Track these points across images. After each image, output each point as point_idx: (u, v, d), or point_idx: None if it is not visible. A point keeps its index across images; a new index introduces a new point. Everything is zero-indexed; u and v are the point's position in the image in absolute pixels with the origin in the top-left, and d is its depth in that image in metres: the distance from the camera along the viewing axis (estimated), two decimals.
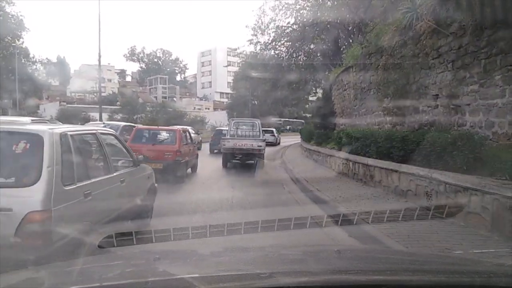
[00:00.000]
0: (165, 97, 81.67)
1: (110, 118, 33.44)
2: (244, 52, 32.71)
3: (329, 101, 17.82)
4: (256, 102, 62.57)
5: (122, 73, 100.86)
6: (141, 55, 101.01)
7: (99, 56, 19.91)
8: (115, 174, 4.69)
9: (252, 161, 15.21)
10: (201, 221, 5.90)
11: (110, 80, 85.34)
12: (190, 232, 3.31)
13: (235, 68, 79.60)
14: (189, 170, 12.50)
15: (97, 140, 4.61)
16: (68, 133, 3.83)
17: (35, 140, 3.38)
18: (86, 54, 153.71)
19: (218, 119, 45.71)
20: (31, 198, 3.13)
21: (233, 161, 14.97)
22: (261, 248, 2.71)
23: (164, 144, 10.90)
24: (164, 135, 11.39)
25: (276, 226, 3.69)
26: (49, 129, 3.62)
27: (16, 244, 3.02)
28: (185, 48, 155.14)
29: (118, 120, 31.58)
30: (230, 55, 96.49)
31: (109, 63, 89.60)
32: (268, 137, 24.28)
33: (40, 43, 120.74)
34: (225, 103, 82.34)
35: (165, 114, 41.66)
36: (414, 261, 2.24)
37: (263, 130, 15.69)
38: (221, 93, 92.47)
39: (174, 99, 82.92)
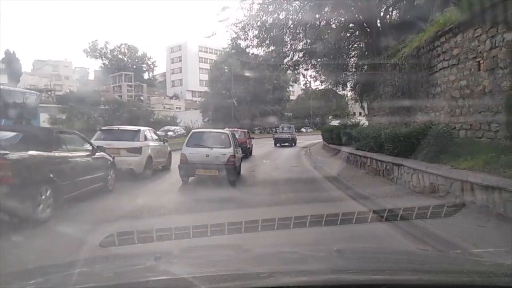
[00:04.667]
0: (131, 96, 74.09)
1: (52, 119, 26.18)
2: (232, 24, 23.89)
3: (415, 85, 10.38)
4: (234, 100, 56.39)
5: (83, 71, 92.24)
6: (104, 50, 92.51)
7: None
8: (238, 149, 11.58)
9: (287, 144, 29.80)
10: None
11: (67, 78, 76.36)
12: (191, 231, 3.14)
13: (208, 65, 74.40)
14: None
15: (233, 135, 11.87)
16: (231, 131, 12.96)
17: (225, 134, 10.88)
18: (41, 50, 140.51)
19: (192, 118, 38.98)
20: (229, 150, 10.17)
21: (279, 144, 29.93)
22: (261, 248, 2.91)
23: (238, 138, 16.30)
24: (239, 133, 19.30)
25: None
26: (227, 130, 12.97)
27: (227, 164, 9.90)
28: (153, 44, 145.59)
29: (61, 121, 24.57)
30: (202, 50, 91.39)
31: (66, 59, 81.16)
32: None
33: None
34: (198, 102, 76.47)
35: (127, 113, 34.53)
36: (413, 261, 2.25)
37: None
38: (193, 91, 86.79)
39: (141, 97, 75.52)
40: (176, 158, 11.49)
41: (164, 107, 72.32)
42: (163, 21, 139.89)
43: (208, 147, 10.11)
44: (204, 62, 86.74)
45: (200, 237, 3.09)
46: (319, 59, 20.63)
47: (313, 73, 22.94)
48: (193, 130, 12.82)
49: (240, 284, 1.51)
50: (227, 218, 3.53)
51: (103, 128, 12.98)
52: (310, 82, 22.19)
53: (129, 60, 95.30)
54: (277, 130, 33.96)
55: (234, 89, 55.39)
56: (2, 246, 4.32)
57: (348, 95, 28.60)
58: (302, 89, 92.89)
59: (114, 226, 5.06)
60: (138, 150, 10.51)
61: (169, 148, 13.56)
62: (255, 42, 18.06)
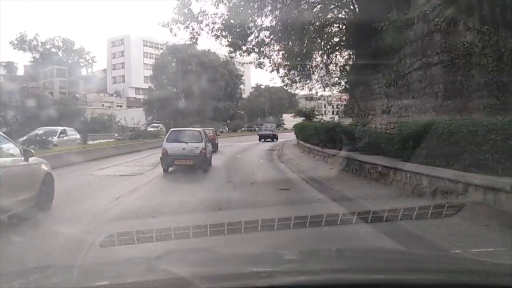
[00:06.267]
0: (64, 93, 66.74)
1: None
2: None
3: None
4: (182, 97, 51.47)
5: (9, 65, 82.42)
6: (34, 43, 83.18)
7: None
8: (208, 144, 13.98)
9: (270, 139, 34.87)
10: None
11: None
12: (190, 231, 3.23)
13: (153, 61, 69.13)
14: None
15: (204, 132, 14.47)
16: (203, 130, 15.13)
17: (198, 132, 13.76)
18: None
19: (134, 116, 33.65)
20: (201, 144, 12.52)
21: (263, 139, 34.84)
22: (261, 247, 2.91)
23: (208, 135, 17.96)
24: (209, 131, 21.13)
25: None
26: (201, 129, 15.38)
27: (200, 155, 12.25)
28: (92, 37, 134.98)
29: None
30: (147, 45, 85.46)
31: None
32: None
33: None
34: (142, 100, 70.72)
35: (53, 111, 28.87)
36: (412, 260, 2.22)
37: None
38: (137, 88, 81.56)
39: (77, 95, 68.38)
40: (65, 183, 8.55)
41: (103, 105, 65.70)
42: (104, 12, 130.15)
43: (185, 142, 12.39)
44: (149, 58, 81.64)
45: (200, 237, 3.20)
46: (287, 41, 16.47)
47: (280, 59, 18.76)
48: (171, 129, 14.73)
49: (240, 284, 1.50)
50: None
51: None
52: (278, 67, 17.85)
53: (64, 54, 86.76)
54: (261, 128, 40.69)
55: (182, 84, 50.59)
56: (2, 246, 4.27)
57: (313, 90, 24.66)
58: (253, 87, 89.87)
59: None
60: None
61: (46, 168, 7.43)
62: (209, 2, 13.42)
